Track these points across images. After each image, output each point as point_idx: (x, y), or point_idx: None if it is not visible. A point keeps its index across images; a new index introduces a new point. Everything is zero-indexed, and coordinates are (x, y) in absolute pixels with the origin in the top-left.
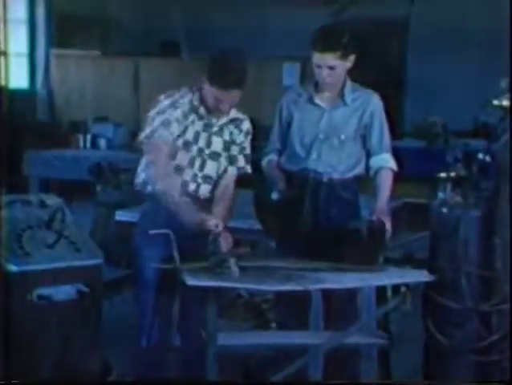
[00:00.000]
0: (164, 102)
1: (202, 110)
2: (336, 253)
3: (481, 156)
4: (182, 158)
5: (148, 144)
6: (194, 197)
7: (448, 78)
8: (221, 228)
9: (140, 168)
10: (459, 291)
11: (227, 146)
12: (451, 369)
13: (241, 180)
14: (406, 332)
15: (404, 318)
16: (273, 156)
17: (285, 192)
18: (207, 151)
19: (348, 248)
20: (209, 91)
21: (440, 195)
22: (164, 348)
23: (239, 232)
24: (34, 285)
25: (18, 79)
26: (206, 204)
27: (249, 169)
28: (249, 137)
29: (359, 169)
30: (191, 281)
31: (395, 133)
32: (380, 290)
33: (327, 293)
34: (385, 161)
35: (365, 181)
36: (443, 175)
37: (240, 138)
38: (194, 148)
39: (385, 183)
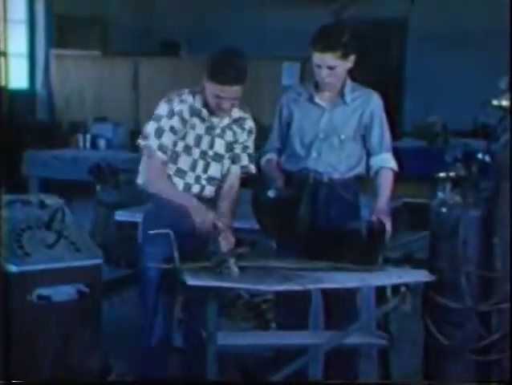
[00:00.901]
0: (162, 108)
1: (205, 112)
2: (336, 253)
3: (480, 155)
4: (184, 162)
5: (144, 149)
6: (199, 198)
7: (448, 78)
8: (223, 227)
9: (141, 167)
10: (459, 291)
11: (229, 147)
12: (451, 369)
13: (242, 180)
14: (406, 332)
15: (403, 318)
16: (272, 155)
17: (282, 190)
18: (210, 153)
19: (348, 248)
20: (210, 89)
21: (440, 195)
22: (165, 348)
23: (239, 232)
24: (33, 285)
25: (18, 79)
26: (211, 204)
27: (253, 169)
28: (253, 136)
29: (360, 169)
30: (191, 281)
31: (395, 133)
32: (380, 290)
33: (327, 293)
34: (385, 161)
35: (365, 181)
36: (443, 175)
37: (243, 136)
38: (196, 151)
39: (385, 183)
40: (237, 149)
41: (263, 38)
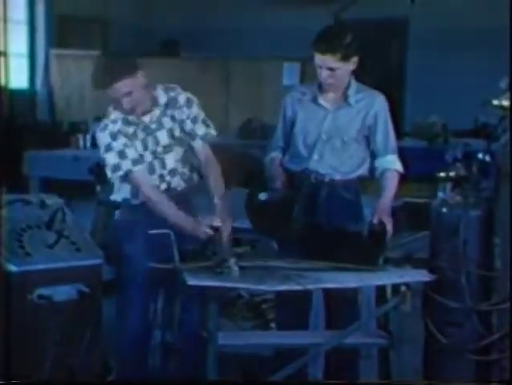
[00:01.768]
0: (103, 137)
1: (133, 117)
2: (337, 254)
3: (481, 155)
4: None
5: (121, 178)
6: (170, 194)
7: (448, 78)
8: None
9: (116, 188)
10: (459, 291)
11: (172, 132)
12: (451, 369)
13: (241, 180)
14: (406, 332)
15: (404, 318)
16: (276, 154)
17: (274, 193)
18: (159, 150)
19: (349, 249)
20: (109, 97)
21: (441, 195)
22: (165, 348)
23: (239, 232)
24: (34, 285)
25: (19, 79)
26: (186, 197)
27: (213, 133)
28: (195, 104)
29: (362, 170)
30: (191, 281)
31: (395, 133)
32: (380, 290)
33: (329, 293)
34: (391, 163)
35: (367, 181)
36: (443, 175)
37: (184, 112)
38: (148, 155)
39: (390, 184)
40: (187, 126)
41: (264, 38)
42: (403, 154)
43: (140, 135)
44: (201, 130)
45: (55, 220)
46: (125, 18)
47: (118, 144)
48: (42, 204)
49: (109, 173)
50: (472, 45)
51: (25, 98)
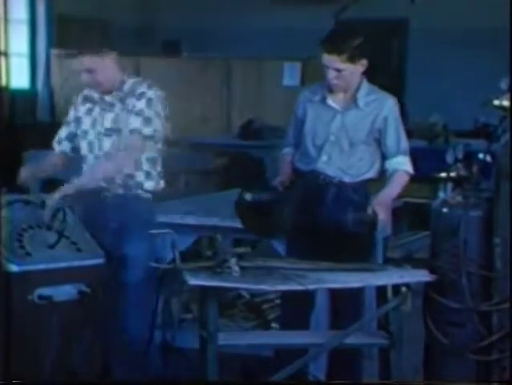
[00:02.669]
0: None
1: (95, 95)
2: (345, 256)
3: (481, 156)
4: (83, 147)
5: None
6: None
7: (448, 78)
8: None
9: None
10: (459, 291)
11: (118, 118)
12: (451, 369)
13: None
14: (406, 332)
15: (404, 318)
16: (288, 150)
17: (260, 194)
18: (102, 130)
19: (357, 251)
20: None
21: (441, 195)
22: (165, 348)
23: (240, 232)
24: (34, 285)
25: (19, 79)
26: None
27: (146, 131)
28: (153, 103)
29: (372, 173)
30: (192, 281)
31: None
32: (381, 290)
33: (334, 293)
34: (401, 164)
35: (373, 183)
36: (443, 175)
37: (139, 105)
38: (92, 133)
39: (396, 181)
40: (131, 117)
41: (264, 38)
42: None
43: (95, 113)
44: (135, 123)
45: (56, 221)
46: (125, 18)
47: (68, 117)
48: (43, 204)
49: None
50: (472, 45)
51: (25, 98)
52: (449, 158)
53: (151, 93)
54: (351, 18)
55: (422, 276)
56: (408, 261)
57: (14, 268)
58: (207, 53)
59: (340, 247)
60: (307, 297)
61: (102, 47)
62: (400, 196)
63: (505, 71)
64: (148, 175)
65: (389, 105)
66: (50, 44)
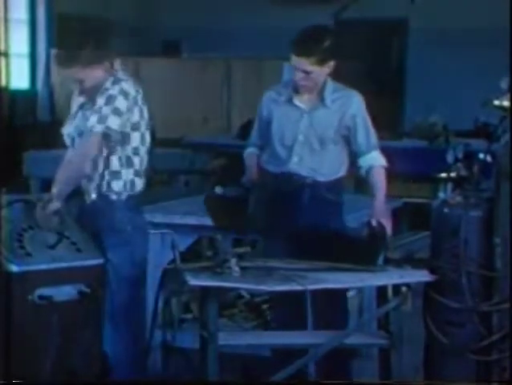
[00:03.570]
0: None
1: (81, 97)
2: (332, 254)
3: (481, 156)
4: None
5: None
6: None
7: (448, 78)
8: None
9: None
10: (460, 291)
11: (86, 117)
12: (451, 369)
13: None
14: (407, 332)
15: (404, 318)
16: (253, 149)
17: (229, 188)
18: (72, 130)
19: (349, 252)
20: None
21: (441, 195)
22: (165, 348)
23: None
24: (34, 285)
25: (19, 79)
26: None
27: (97, 129)
28: (112, 99)
29: (343, 171)
30: (192, 281)
31: (395, 133)
32: (381, 290)
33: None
34: (375, 159)
35: (365, 182)
36: (444, 175)
37: (99, 102)
38: (72, 133)
39: (379, 182)
40: (91, 115)
41: (264, 38)
42: (403, 154)
43: (79, 113)
44: (90, 121)
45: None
46: (126, 18)
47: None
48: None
49: None
50: (472, 45)
51: (25, 98)
52: (449, 158)
53: (113, 89)
54: (351, 18)
55: (422, 276)
56: (409, 261)
57: (14, 268)
58: (207, 53)
59: (325, 248)
60: (300, 296)
61: (93, 60)
62: (400, 196)
63: (505, 71)
64: (115, 175)
65: (356, 102)
66: (50, 44)
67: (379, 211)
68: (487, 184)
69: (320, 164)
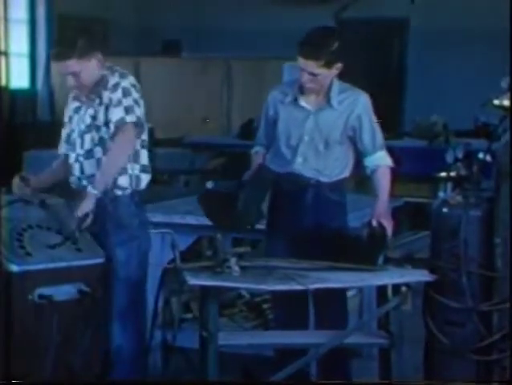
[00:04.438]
0: None
1: (78, 94)
2: (332, 254)
3: (481, 155)
4: (69, 147)
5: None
6: (79, 178)
7: (448, 77)
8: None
9: None
10: (460, 291)
11: (96, 114)
12: (451, 368)
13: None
14: (407, 332)
15: (404, 318)
16: (259, 148)
17: (221, 183)
18: (82, 127)
19: (349, 252)
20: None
21: (441, 195)
22: (165, 348)
23: (241, 231)
24: (34, 284)
25: (19, 78)
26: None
27: (130, 119)
28: (119, 89)
29: (347, 172)
30: (192, 281)
31: (395, 132)
32: (381, 290)
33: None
34: (380, 159)
35: (367, 181)
36: (444, 174)
37: (115, 96)
38: (76, 131)
39: (383, 182)
40: (110, 110)
41: (264, 38)
42: (403, 154)
43: (82, 111)
44: (116, 115)
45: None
46: (126, 18)
47: (64, 118)
48: (43, 204)
49: None
50: (472, 45)
51: (25, 98)
52: (449, 158)
53: (125, 82)
54: (351, 17)
55: (422, 276)
56: (409, 260)
57: (14, 268)
58: (207, 53)
59: (328, 246)
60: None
61: (87, 50)
62: (400, 195)
63: (505, 71)
64: (121, 170)
65: (362, 102)
66: (50, 44)
67: (381, 211)
68: (487, 184)
69: (324, 165)
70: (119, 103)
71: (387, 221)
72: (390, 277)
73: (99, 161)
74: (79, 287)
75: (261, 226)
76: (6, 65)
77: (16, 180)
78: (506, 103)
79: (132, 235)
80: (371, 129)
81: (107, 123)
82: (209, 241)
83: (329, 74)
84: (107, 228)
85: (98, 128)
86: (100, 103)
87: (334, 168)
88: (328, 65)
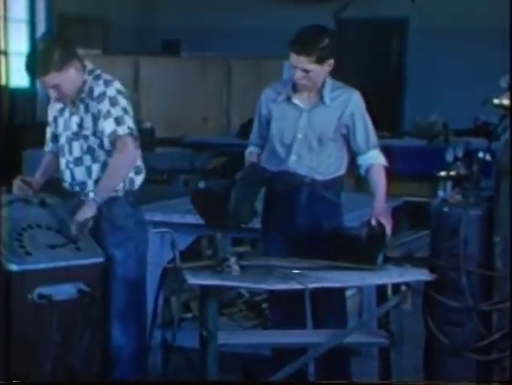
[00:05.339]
0: None
1: (59, 103)
2: (330, 253)
3: (481, 154)
4: (60, 151)
5: None
6: (71, 184)
7: (448, 77)
8: None
9: None
10: (459, 290)
11: (82, 122)
12: (451, 368)
13: None
14: (406, 331)
15: (404, 317)
16: (254, 148)
17: (212, 183)
18: (69, 134)
19: (348, 252)
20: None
21: (441, 194)
22: (165, 347)
23: (240, 231)
24: (34, 284)
25: (19, 78)
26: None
27: (122, 131)
28: (106, 99)
29: (342, 170)
30: (192, 280)
31: (395, 132)
32: (381, 289)
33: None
34: (374, 158)
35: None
36: (443, 174)
37: (95, 106)
38: (63, 137)
39: (379, 182)
40: (100, 122)
41: (264, 38)
42: (403, 153)
43: (66, 114)
44: (108, 128)
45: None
46: (126, 18)
47: (49, 117)
48: (43, 204)
49: None
50: (472, 45)
51: (25, 97)
52: (449, 157)
53: (111, 91)
54: (351, 17)
55: (422, 275)
56: (408, 260)
57: (13, 267)
58: (207, 53)
59: (324, 246)
60: (296, 296)
61: (64, 61)
62: (400, 195)
63: (506, 71)
64: None
65: (355, 100)
66: None
67: (379, 210)
68: (487, 183)
69: (318, 163)
70: (109, 114)
71: (386, 220)
72: (390, 277)
73: (88, 169)
74: (79, 287)
75: (260, 225)
76: (6, 65)
77: (17, 182)
78: (506, 102)
79: (129, 235)
80: (364, 127)
81: (95, 134)
82: (208, 240)
83: (321, 71)
84: (102, 229)
85: (86, 138)
86: (86, 111)
87: (328, 165)
88: (320, 61)
